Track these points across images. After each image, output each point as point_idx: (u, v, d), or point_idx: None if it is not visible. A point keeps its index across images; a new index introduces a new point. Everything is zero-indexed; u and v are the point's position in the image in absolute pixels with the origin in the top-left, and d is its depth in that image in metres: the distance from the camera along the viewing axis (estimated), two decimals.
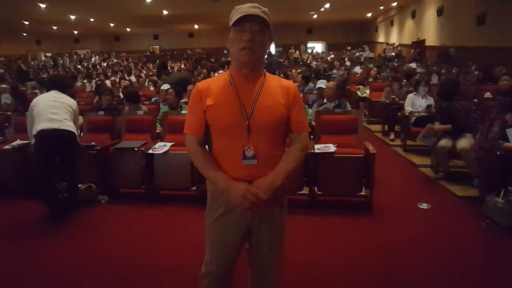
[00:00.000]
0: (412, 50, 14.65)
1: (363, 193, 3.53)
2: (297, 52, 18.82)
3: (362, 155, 3.46)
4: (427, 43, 14.01)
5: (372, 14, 20.60)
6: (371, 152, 3.41)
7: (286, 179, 1.47)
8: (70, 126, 3.48)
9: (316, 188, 3.56)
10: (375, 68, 9.02)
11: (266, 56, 1.61)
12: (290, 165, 1.46)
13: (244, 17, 1.34)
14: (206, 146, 1.54)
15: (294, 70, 11.65)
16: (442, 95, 4.37)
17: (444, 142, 4.03)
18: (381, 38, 21.06)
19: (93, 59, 20.85)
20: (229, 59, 1.45)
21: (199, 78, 9.31)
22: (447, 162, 4.17)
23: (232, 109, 1.41)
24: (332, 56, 18.80)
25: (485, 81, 6.84)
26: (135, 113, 4.49)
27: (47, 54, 23.18)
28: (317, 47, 26.34)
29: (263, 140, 1.42)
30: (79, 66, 18.43)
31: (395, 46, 17.08)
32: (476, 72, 7.58)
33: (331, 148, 3.50)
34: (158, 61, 14.32)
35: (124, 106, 5.18)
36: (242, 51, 1.37)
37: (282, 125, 1.47)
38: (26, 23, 17.98)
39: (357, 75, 9.84)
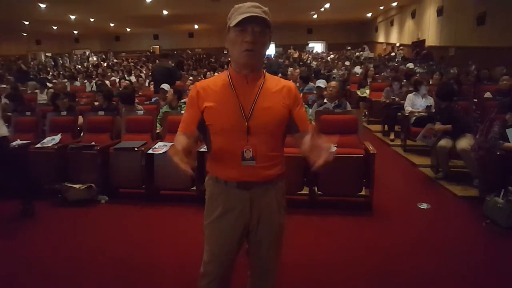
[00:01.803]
0: (414, 51, 14.66)
1: (363, 193, 3.53)
2: (297, 52, 18.80)
3: (362, 155, 3.46)
4: (427, 43, 14.02)
5: (372, 14, 20.60)
6: (371, 152, 3.41)
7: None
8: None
9: (316, 188, 3.56)
10: (372, 68, 9.06)
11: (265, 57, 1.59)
12: None
13: (246, 18, 1.32)
14: (205, 146, 1.53)
15: (291, 69, 11.66)
16: (441, 95, 4.37)
17: (444, 142, 4.03)
18: (381, 38, 21.08)
19: (91, 59, 20.81)
20: (229, 59, 1.43)
21: (199, 78, 9.32)
22: (447, 162, 4.17)
23: (231, 111, 1.40)
24: (332, 56, 18.82)
25: (483, 80, 6.87)
26: (133, 113, 4.49)
27: (48, 54, 23.19)
28: (317, 47, 26.35)
29: (262, 141, 1.42)
30: (79, 66, 18.44)
31: (397, 46, 17.08)
32: (476, 72, 7.59)
33: (331, 148, 3.49)
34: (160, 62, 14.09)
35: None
36: (244, 53, 1.35)
37: (281, 126, 1.46)
38: (26, 23, 17.99)
39: (357, 75, 9.87)
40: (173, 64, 8.00)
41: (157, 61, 17.12)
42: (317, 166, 1.25)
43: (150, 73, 11.63)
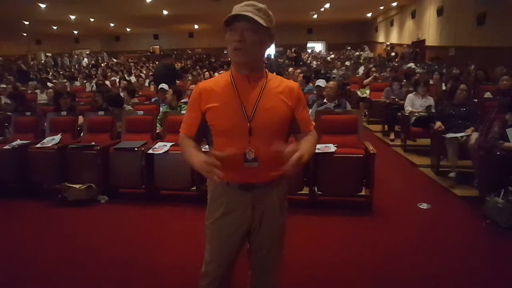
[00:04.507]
0: (411, 50, 14.66)
1: (363, 193, 3.53)
2: (293, 52, 18.71)
3: (362, 155, 3.46)
4: (427, 43, 14.02)
5: (372, 14, 20.60)
6: (371, 152, 3.41)
7: (309, 159, 1.42)
8: None
9: (316, 188, 3.56)
10: (373, 68, 9.07)
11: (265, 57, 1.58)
12: (312, 148, 1.49)
13: (235, 17, 1.33)
14: (207, 146, 1.53)
15: (292, 69, 11.67)
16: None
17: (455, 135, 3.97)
18: (381, 38, 21.07)
19: (85, 60, 20.73)
20: (229, 59, 1.44)
21: (199, 79, 9.31)
22: (456, 157, 4.04)
23: (233, 111, 1.39)
24: (332, 56, 18.79)
25: (484, 80, 6.86)
26: (134, 113, 4.49)
27: (48, 54, 23.18)
28: (317, 47, 26.35)
29: (265, 142, 1.40)
30: (77, 66, 18.41)
31: (387, 46, 17.05)
32: (475, 73, 7.58)
33: (331, 148, 3.50)
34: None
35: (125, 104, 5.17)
36: (233, 51, 1.36)
37: (284, 126, 1.46)
38: (26, 23, 17.98)
39: (357, 75, 9.87)
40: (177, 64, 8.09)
41: (156, 62, 17.15)
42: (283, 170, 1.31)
43: (150, 73, 11.67)
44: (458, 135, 3.99)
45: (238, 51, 1.35)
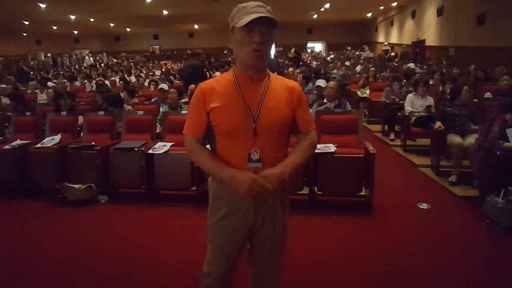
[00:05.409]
0: (411, 51, 14.65)
1: (363, 193, 3.53)
2: (292, 52, 18.71)
3: (362, 155, 3.46)
4: (427, 43, 14.02)
5: (372, 14, 20.60)
6: (371, 152, 3.41)
7: (293, 172, 1.45)
8: None
9: (316, 188, 3.56)
10: (372, 68, 9.08)
11: None
12: (300, 159, 1.46)
13: (255, 19, 1.31)
14: (209, 147, 1.53)
15: (292, 69, 11.67)
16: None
17: (458, 139, 3.97)
18: (381, 38, 21.06)
19: (87, 59, 20.72)
20: (229, 59, 1.41)
21: None
22: (461, 160, 4.04)
23: (237, 112, 1.39)
24: (332, 56, 18.78)
25: (484, 80, 6.87)
26: (134, 113, 4.49)
27: (48, 54, 23.17)
28: (317, 47, 26.35)
29: (269, 142, 1.41)
30: (78, 66, 18.39)
31: (385, 45, 17.04)
32: (475, 73, 7.57)
33: (331, 148, 3.50)
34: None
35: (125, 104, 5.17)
36: (252, 53, 1.34)
37: (287, 126, 1.46)
38: (26, 23, 17.99)
39: (357, 75, 9.87)
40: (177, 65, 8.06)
41: (155, 62, 17.09)
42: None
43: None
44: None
45: (258, 52, 1.34)
